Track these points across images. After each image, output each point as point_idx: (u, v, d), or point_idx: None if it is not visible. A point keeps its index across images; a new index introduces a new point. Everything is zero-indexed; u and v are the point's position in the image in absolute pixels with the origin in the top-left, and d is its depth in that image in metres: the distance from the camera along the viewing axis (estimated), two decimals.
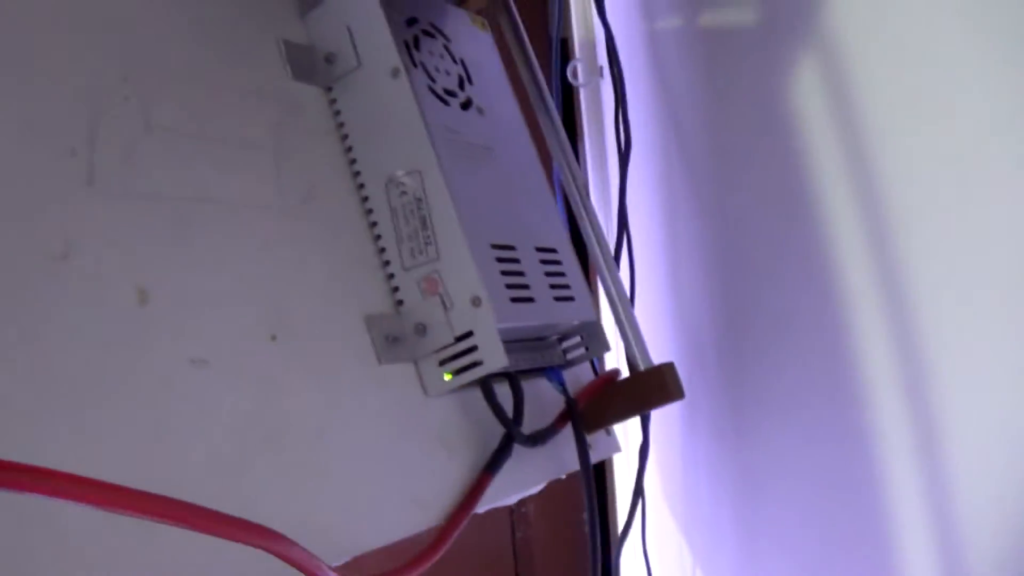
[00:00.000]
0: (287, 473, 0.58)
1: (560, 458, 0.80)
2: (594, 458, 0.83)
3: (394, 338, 0.69)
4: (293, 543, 0.46)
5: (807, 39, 0.76)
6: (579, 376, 0.86)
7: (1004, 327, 0.68)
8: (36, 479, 0.36)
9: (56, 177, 0.53)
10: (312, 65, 0.73)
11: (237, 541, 0.44)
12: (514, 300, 0.70)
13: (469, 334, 0.68)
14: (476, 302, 0.67)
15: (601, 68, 1.08)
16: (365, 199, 0.72)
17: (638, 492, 0.89)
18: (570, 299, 0.77)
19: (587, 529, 0.79)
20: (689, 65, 0.91)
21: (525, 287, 0.72)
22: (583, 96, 1.11)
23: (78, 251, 0.52)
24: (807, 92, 0.78)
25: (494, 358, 0.67)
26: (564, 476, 0.81)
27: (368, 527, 0.61)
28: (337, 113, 0.73)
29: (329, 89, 0.74)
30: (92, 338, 0.51)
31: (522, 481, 0.75)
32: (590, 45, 1.09)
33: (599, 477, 1.11)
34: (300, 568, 0.48)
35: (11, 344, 0.47)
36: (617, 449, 0.88)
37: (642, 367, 0.83)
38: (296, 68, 0.72)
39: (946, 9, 0.69)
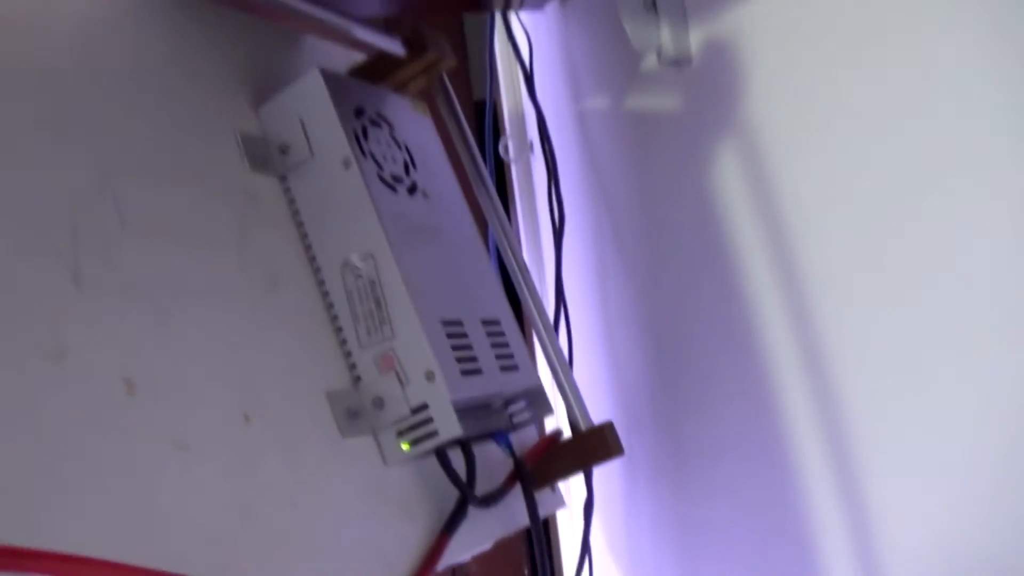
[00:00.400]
0: (264, 544, 0.62)
1: (510, 515, 0.85)
2: (542, 514, 0.88)
3: (354, 412, 0.73)
4: None
5: (727, 122, 0.83)
6: (523, 438, 0.91)
7: (917, 381, 0.74)
8: (31, 560, 0.40)
9: (46, 278, 0.57)
10: (267, 156, 0.78)
11: None
12: (464, 373, 0.75)
13: (424, 406, 0.72)
14: (430, 376, 0.72)
15: (531, 143, 1.15)
16: (322, 282, 0.76)
17: (585, 547, 0.95)
18: (515, 368, 0.82)
19: None
20: (617, 143, 0.98)
21: (474, 359, 0.77)
22: (514, 171, 1.17)
23: (71, 349, 0.56)
24: (726, 170, 0.85)
25: (449, 428, 0.72)
26: (512, 533, 0.86)
27: None
28: (292, 201, 0.78)
29: (283, 178, 0.78)
30: (87, 427, 0.55)
31: (475, 540, 0.80)
32: (519, 120, 1.16)
33: (544, 533, 1.16)
34: None
35: (15, 438, 0.51)
36: (562, 504, 0.93)
37: (583, 427, 0.89)
38: (253, 159, 0.76)
39: (851, 98, 0.76)
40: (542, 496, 0.90)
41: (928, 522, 0.74)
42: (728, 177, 0.84)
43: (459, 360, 0.75)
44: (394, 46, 0.90)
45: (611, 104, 0.98)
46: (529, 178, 1.16)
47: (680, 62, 0.85)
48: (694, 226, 0.89)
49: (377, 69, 0.90)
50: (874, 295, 0.76)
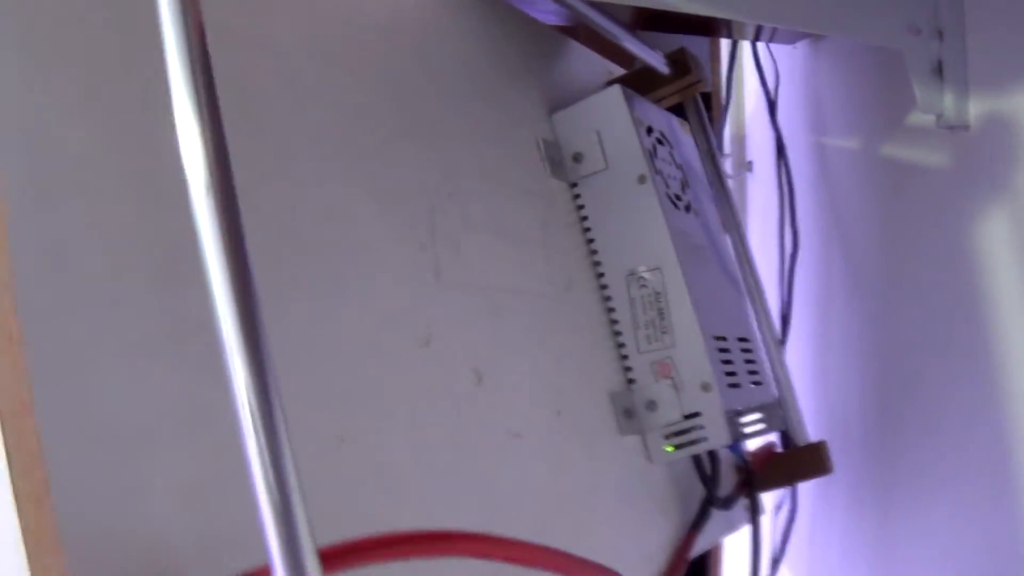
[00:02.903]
0: (571, 523, 0.68)
1: (728, 519, 0.91)
2: (744, 523, 0.94)
3: (630, 412, 0.79)
4: None
5: (998, 188, 0.87)
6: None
7: None
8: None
9: (417, 268, 0.63)
10: (562, 162, 0.84)
11: None
12: (730, 386, 0.80)
13: (697, 414, 0.78)
14: (706, 388, 0.78)
15: (750, 163, 1.19)
16: (604, 287, 0.82)
17: (778, 558, 1.00)
18: (760, 383, 0.88)
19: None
20: (862, 183, 1.03)
21: (734, 374, 0.82)
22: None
23: (435, 337, 0.62)
24: (989, 232, 0.89)
25: (719, 436, 0.77)
26: (731, 534, 0.91)
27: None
28: (580, 208, 0.83)
29: (573, 185, 0.84)
30: (447, 411, 0.61)
31: (708, 538, 0.86)
32: (740, 141, 1.20)
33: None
34: None
35: (394, 416, 0.56)
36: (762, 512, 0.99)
37: (801, 443, 0.94)
38: (551, 165, 0.82)
39: None
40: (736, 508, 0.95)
41: None
42: (989, 239, 0.88)
43: (727, 374, 0.80)
44: (660, 63, 0.95)
45: (862, 147, 1.03)
46: (743, 198, 1.21)
47: (957, 127, 0.90)
48: (945, 278, 0.93)
49: (639, 83, 0.94)
50: None
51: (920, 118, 0.94)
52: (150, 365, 0.43)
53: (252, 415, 0.37)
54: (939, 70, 0.89)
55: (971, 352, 0.91)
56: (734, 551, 1.16)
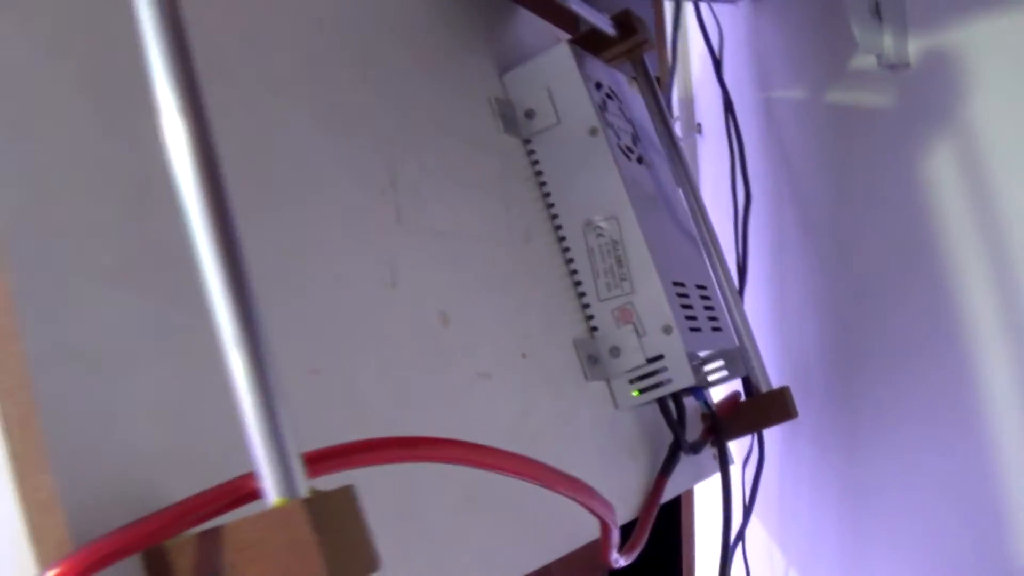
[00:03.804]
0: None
1: (697, 467, 0.92)
2: (713, 471, 0.95)
3: (594, 359, 0.80)
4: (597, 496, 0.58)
5: (944, 124, 0.90)
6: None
7: None
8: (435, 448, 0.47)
9: (379, 214, 0.64)
10: (514, 120, 0.85)
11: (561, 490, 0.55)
12: (691, 329, 0.82)
13: (660, 357, 0.79)
14: (667, 330, 0.79)
15: (699, 126, 1.21)
16: (563, 239, 0.83)
17: (750, 506, 1.02)
18: (720, 329, 0.89)
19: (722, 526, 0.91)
20: (811, 132, 1.05)
21: (694, 318, 0.84)
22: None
23: (401, 280, 0.63)
24: (939, 167, 0.91)
25: (682, 378, 0.79)
26: (702, 481, 0.93)
27: (572, 525, 0.72)
28: (535, 163, 0.85)
29: (527, 141, 0.85)
30: (416, 352, 0.62)
31: (677, 484, 0.87)
32: (688, 103, 1.22)
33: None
34: (599, 516, 0.59)
35: (372, 357, 0.57)
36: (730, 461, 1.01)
37: (763, 389, 0.96)
38: (505, 122, 0.83)
39: None
40: (705, 457, 0.97)
41: None
42: (937, 173, 0.91)
43: (687, 318, 0.82)
44: (606, 25, 0.96)
45: (807, 96, 1.05)
46: (694, 160, 1.23)
47: (898, 66, 0.92)
48: (897, 216, 0.96)
49: (587, 45, 0.96)
50: None
51: (862, 61, 0.96)
52: (125, 291, 0.44)
53: (234, 322, 0.37)
54: (877, 11, 0.91)
55: (926, 288, 0.93)
56: (705, 502, 1.18)
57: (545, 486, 0.55)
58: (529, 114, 0.85)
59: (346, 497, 0.38)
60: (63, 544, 0.38)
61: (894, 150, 0.95)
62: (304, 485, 0.37)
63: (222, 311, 0.38)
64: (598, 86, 0.86)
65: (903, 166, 0.94)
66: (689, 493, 1.22)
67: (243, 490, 0.39)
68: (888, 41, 0.91)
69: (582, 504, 0.56)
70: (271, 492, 0.37)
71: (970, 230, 0.89)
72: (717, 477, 0.93)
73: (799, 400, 0.97)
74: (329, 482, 0.39)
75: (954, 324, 0.91)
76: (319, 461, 0.39)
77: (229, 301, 0.38)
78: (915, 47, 0.91)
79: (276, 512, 0.36)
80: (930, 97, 0.91)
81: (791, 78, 1.08)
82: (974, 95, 0.87)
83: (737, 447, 1.08)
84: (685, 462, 0.89)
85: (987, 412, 0.89)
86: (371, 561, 0.38)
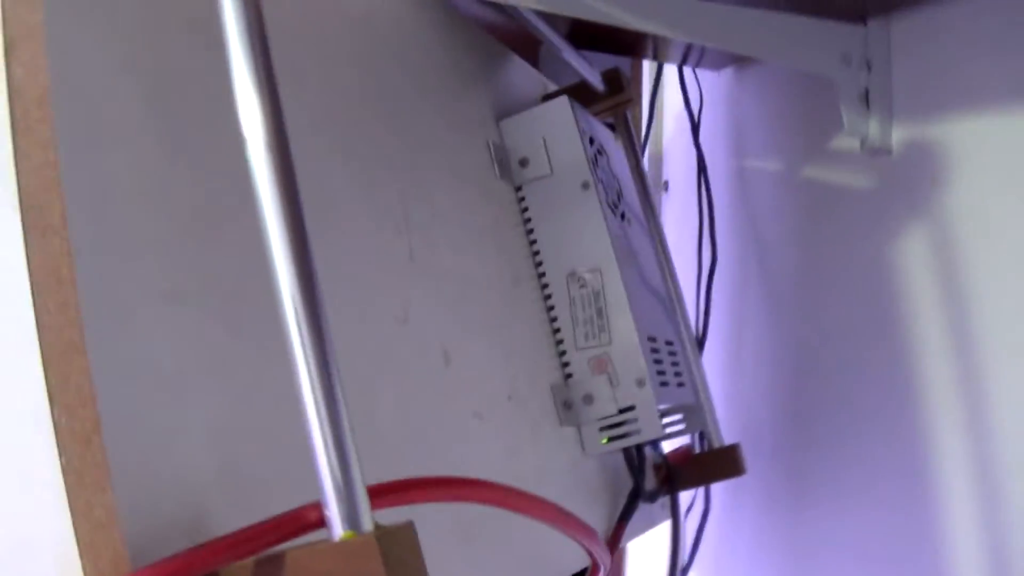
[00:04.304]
0: None
1: (649, 515, 0.95)
2: (663, 519, 0.99)
3: (569, 404, 0.83)
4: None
5: (920, 209, 0.95)
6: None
7: None
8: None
9: (394, 249, 0.66)
10: (509, 166, 0.87)
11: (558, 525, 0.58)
12: (661, 384, 0.85)
13: (631, 408, 0.82)
14: (641, 383, 0.82)
15: (666, 183, 1.26)
16: (545, 286, 0.86)
17: (693, 555, 1.05)
18: (683, 385, 0.93)
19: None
20: (783, 203, 1.10)
21: (664, 373, 0.87)
22: None
23: (412, 316, 0.65)
24: (909, 248, 0.96)
25: (651, 429, 0.82)
26: (651, 529, 0.96)
27: (560, 558, 0.75)
28: (524, 210, 0.87)
29: (518, 188, 0.88)
30: (423, 387, 0.64)
31: (632, 531, 0.90)
32: (657, 161, 1.27)
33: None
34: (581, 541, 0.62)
35: (384, 391, 0.59)
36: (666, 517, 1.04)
37: (716, 445, 0.99)
38: (500, 168, 0.86)
39: None
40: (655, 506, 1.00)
41: None
42: (906, 256, 0.96)
43: (658, 372, 0.85)
44: (596, 80, 1.00)
45: (783, 169, 1.10)
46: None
47: (880, 151, 0.98)
48: (862, 294, 1.01)
49: (575, 97, 0.99)
50: None
51: (842, 143, 1.02)
52: (188, 312, 0.45)
53: (308, 361, 0.39)
54: (866, 98, 0.96)
55: (883, 363, 0.98)
56: (639, 554, 1.21)
57: (562, 529, 0.57)
58: (523, 162, 0.87)
59: (409, 533, 0.40)
60: (120, 561, 0.39)
61: (866, 231, 1.00)
62: (369, 518, 0.39)
63: (297, 341, 0.39)
64: (592, 141, 0.89)
65: (873, 247, 0.99)
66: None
67: (304, 520, 0.40)
68: (874, 127, 0.96)
69: (587, 548, 0.59)
70: (337, 524, 0.39)
71: (933, 313, 0.95)
72: (660, 527, 0.97)
73: (748, 458, 1.01)
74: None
75: (910, 396, 0.96)
76: (381, 495, 0.41)
77: (307, 330, 0.40)
78: (898, 135, 0.97)
79: (347, 545, 0.38)
80: (907, 185, 0.97)
81: (768, 149, 1.12)
82: (950, 187, 0.93)
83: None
84: (640, 512, 0.92)
85: (937, 481, 0.94)
86: None
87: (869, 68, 0.96)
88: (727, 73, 1.18)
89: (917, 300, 0.96)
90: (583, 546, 0.59)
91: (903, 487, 0.96)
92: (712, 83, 1.18)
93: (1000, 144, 0.88)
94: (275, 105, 0.42)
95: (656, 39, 1.04)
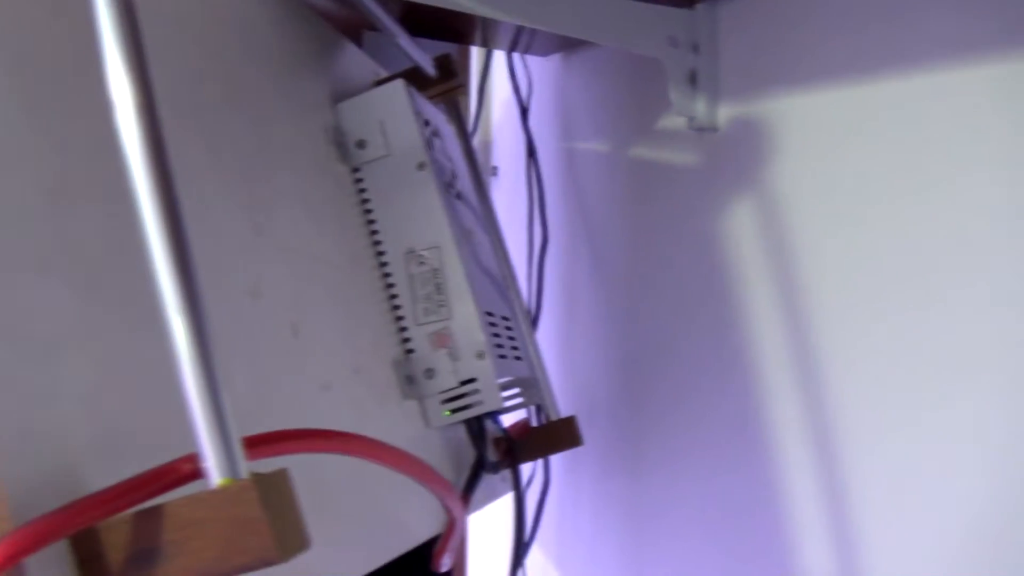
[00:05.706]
0: (375, 479, 0.73)
1: (491, 488, 0.98)
2: (505, 492, 1.02)
3: (411, 379, 0.85)
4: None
5: (744, 182, 1.01)
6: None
7: (910, 379, 0.88)
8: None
9: (239, 223, 0.66)
10: (346, 148, 0.89)
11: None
12: (500, 356, 0.88)
13: (472, 380, 0.85)
14: (481, 356, 0.85)
15: (495, 168, 1.29)
16: (384, 264, 0.88)
17: (535, 529, 1.08)
18: (520, 359, 0.96)
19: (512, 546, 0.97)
20: (611, 181, 1.14)
21: (502, 347, 0.90)
22: None
23: (264, 290, 0.66)
24: (736, 218, 1.02)
25: (492, 401, 0.85)
26: (494, 501, 0.99)
27: (407, 526, 0.77)
28: (362, 191, 0.89)
29: (355, 170, 0.89)
30: (275, 360, 0.65)
31: (476, 503, 0.93)
32: (485, 147, 1.30)
33: None
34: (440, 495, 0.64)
35: (238, 361, 0.60)
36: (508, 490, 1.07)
37: (553, 417, 1.03)
38: (339, 150, 0.87)
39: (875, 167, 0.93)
40: (496, 479, 1.03)
41: (912, 520, 0.88)
42: (734, 227, 1.02)
43: (496, 346, 0.88)
44: (428, 65, 1.02)
45: (612, 149, 1.14)
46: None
47: (706, 129, 1.03)
48: (692, 263, 1.06)
49: (409, 82, 1.01)
50: (870, 308, 0.92)
51: (670, 122, 1.07)
52: (51, 279, 0.45)
53: (182, 316, 0.40)
54: (693, 79, 1.02)
55: (714, 334, 1.04)
56: (481, 532, 1.24)
57: (423, 482, 0.59)
58: (360, 144, 0.89)
59: (284, 479, 0.41)
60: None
61: (694, 206, 1.06)
62: (244, 466, 0.40)
63: (170, 298, 0.41)
64: (426, 123, 0.92)
65: (701, 221, 1.05)
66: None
67: (179, 472, 0.41)
68: (701, 106, 1.02)
69: (445, 503, 0.61)
70: (215, 473, 0.40)
71: (759, 281, 1.00)
72: (501, 504, 1.00)
73: (584, 429, 1.05)
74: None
75: (739, 360, 1.02)
76: (255, 446, 0.43)
77: (176, 288, 0.41)
78: (725, 113, 1.03)
79: (223, 491, 0.39)
80: (734, 160, 1.02)
81: (597, 131, 1.17)
82: (775, 160, 0.99)
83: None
84: (482, 482, 0.95)
85: (768, 439, 1.00)
86: (305, 539, 0.42)
87: (696, 50, 1.02)
88: (555, 59, 1.22)
89: (745, 269, 1.02)
90: (441, 500, 0.61)
91: (736, 448, 1.02)
92: (540, 69, 1.22)
93: (823, 119, 0.94)
94: (142, 70, 0.42)
95: (485, 25, 1.07)
